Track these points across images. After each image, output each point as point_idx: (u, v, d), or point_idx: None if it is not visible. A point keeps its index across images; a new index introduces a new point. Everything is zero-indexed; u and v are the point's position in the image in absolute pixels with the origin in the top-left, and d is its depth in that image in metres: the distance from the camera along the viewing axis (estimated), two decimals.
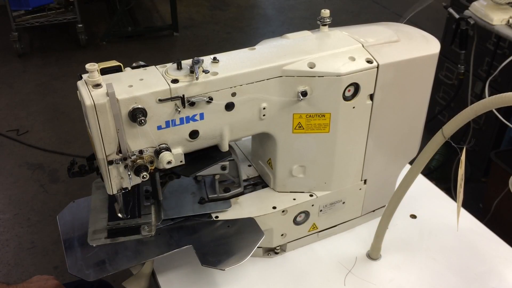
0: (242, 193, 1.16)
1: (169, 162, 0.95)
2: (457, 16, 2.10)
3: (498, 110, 1.83)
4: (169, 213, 1.10)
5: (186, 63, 0.95)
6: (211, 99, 0.94)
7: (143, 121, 0.89)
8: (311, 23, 4.64)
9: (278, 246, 1.17)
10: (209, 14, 4.99)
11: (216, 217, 1.10)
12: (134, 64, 0.98)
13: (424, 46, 1.10)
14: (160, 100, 0.90)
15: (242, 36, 4.54)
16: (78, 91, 0.90)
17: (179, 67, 0.94)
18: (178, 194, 1.15)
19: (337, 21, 1.12)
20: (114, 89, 0.86)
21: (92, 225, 1.08)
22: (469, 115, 0.85)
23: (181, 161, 0.99)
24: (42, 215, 2.53)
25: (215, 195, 1.13)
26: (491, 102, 0.81)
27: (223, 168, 1.08)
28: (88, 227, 1.07)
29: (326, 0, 5.23)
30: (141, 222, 1.08)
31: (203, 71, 0.94)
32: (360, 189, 1.19)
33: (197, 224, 1.09)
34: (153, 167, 0.97)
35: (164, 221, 1.09)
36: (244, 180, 1.20)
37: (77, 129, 3.16)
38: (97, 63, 0.90)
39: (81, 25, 4.11)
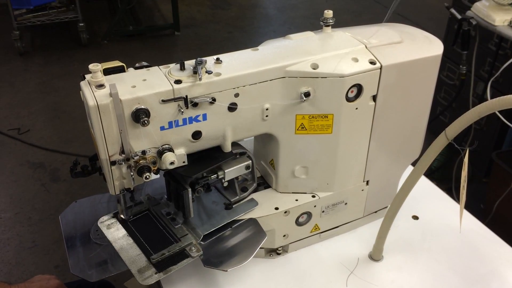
0: (256, 189, 1.16)
1: (172, 163, 0.95)
2: (459, 16, 2.10)
3: (500, 111, 1.83)
4: (206, 228, 1.07)
5: (189, 63, 0.95)
6: (214, 99, 0.94)
7: (146, 121, 0.89)
8: (313, 23, 4.64)
9: (280, 247, 1.17)
10: (210, 13, 4.99)
11: None
12: (137, 65, 0.98)
13: (427, 47, 1.10)
14: (163, 101, 0.90)
15: (243, 35, 4.54)
16: (81, 92, 0.90)
17: (182, 68, 0.94)
18: (201, 208, 1.12)
19: (339, 21, 1.12)
20: (117, 90, 0.86)
21: (132, 265, 1.00)
22: (473, 117, 0.85)
23: (183, 162, 0.99)
24: (43, 214, 2.53)
25: (237, 197, 1.12)
26: (494, 104, 0.81)
27: (247, 167, 1.08)
28: (130, 269, 1.00)
29: (328, 0, 5.23)
30: (184, 245, 1.03)
31: (206, 72, 0.94)
32: (363, 190, 1.18)
33: None
34: (155, 168, 0.97)
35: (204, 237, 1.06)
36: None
37: (78, 128, 3.16)
38: (98, 62, 0.90)
39: (82, 24, 4.11)
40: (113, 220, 1.10)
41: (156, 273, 0.98)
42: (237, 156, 1.07)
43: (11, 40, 3.98)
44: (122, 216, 1.09)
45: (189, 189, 1.02)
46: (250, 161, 1.08)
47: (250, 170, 1.10)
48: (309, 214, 1.15)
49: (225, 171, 1.05)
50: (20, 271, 2.23)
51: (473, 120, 0.86)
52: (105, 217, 1.11)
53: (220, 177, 1.05)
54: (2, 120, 3.26)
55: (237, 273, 1.11)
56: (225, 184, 1.10)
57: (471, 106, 2.29)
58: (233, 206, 1.12)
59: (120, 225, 1.09)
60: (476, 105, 0.85)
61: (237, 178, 1.11)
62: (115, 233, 1.08)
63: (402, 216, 1.27)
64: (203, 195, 1.14)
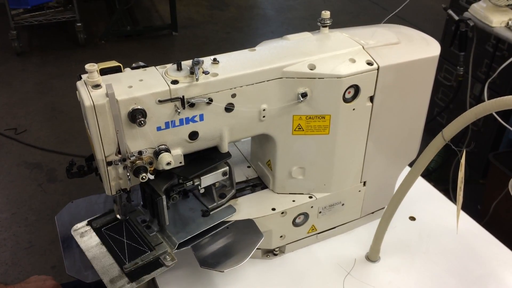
0: (235, 195, 1.14)
1: (168, 163, 0.94)
2: (456, 18, 2.10)
3: (496, 112, 1.84)
4: (181, 236, 1.04)
5: (186, 64, 0.95)
6: (211, 100, 0.94)
7: (142, 122, 0.88)
8: (311, 24, 4.64)
9: (277, 248, 1.17)
10: (208, 14, 4.98)
11: None
12: (133, 65, 0.98)
13: (425, 48, 1.10)
14: (159, 101, 0.90)
15: (241, 36, 4.54)
16: (77, 92, 0.90)
17: (179, 68, 0.94)
18: (177, 215, 1.10)
19: (337, 22, 1.12)
20: (114, 90, 0.85)
21: (104, 275, 0.98)
22: (470, 118, 0.85)
23: (180, 162, 0.98)
24: (39, 215, 2.53)
25: (215, 204, 1.10)
26: (491, 105, 0.81)
27: (224, 173, 1.06)
28: (102, 279, 0.98)
29: (326, 1, 5.23)
30: (158, 254, 1.02)
31: (203, 72, 0.94)
32: (360, 191, 1.18)
33: None
34: (152, 168, 0.96)
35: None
36: (243, 182, 1.20)
37: (75, 129, 3.15)
38: (96, 62, 0.90)
39: (80, 24, 4.10)
40: (87, 227, 1.08)
41: (128, 283, 0.96)
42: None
43: (8, 40, 3.97)
44: (118, 216, 1.09)
45: (164, 197, 1.00)
46: (227, 168, 1.05)
47: (228, 176, 1.07)
48: (306, 215, 1.15)
49: (201, 178, 1.02)
50: (17, 271, 2.22)
51: (470, 121, 0.86)
52: (79, 225, 1.09)
53: (196, 183, 1.02)
54: None
55: (233, 274, 1.11)
56: (202, 190, 1.07)
57: (468, 107, 2.29)
58: (211, 213, 1.09)
59: (94, 233, 1.07)
60: (473, 106, 0.85)
61: (214, 184, 1.07)
62: (88, 241, 1.05)
63: (399, 217, 1.26)
64: (180, 202, 1.11)
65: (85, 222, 1.09)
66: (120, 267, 0.99)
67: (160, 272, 0.99)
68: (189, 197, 1.14)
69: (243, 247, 1.04)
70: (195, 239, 1.05)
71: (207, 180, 1.03)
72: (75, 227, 1.08)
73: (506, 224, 2.08)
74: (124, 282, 0.97)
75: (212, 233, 1.06)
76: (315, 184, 1.13)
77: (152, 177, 0.98)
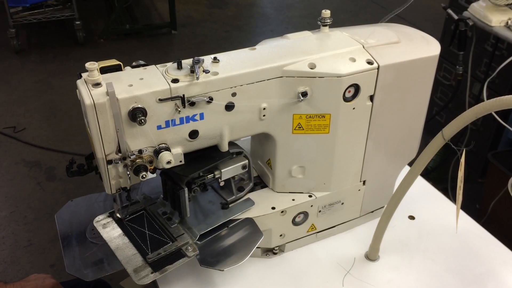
0: (253, 188, 1.16)
1: (168, 162, 0.94)
2: (456, 17, 2.10)
3: (496, 111, 1.83)
4: (202, 227, 1.06)
5: (187, 62, 0.95)
6: (211, 99, 0.94)
7: (143, 120, 0.88)
8: (310, 22, 4.64)
9: (276, 247, 1.17)
10: (207, 12, 4.98)
11: None
12: (134, 63, 0.98)
13: (425, 47, 1.10)
14: (160, 100, 0.90)
15: (240, 34, 4.54)
16: (77, 90, 0.90)
17: (180, 67, 0.94)
18: (197, 207, 1.12)
19: (336, 21, 1.12)
20: (114, 88, 0.85)
21: (128, 265, 1.00)
22: (470, 117, 0.85)
23: (180, 161, 0.99)
24: (38, 213, 2.52)
25: (234, 197, 1.12)
26: (491, 105, 0.81)
27: (244, 167, 1.07)
28: (126, 269, 0.99)
29: (325, 0, 5.23)
30: (180, 245, 1.03)
31: (203, 71, 0.94)
32: (359, 190, 1.19)
33: None
34: (152, 167, 0.96)
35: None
36: None
37: (74, 127, 3.15)
38: (95, 60, 0.89)
39: (79, 22, 4.09)
40: (109, 219, 1.10)
41: (152, 273, 0.98)
42: (234, 155, 1.07)
43: (7, 38, 3.96)
44: (118, 215, 1.09)
45: (186, 189, 1.01)
46: (247, 161, 1.08)
47: (247, 169, 1.09)
48: (305, 214, 1.15)
49: (222, 170, 1.05)
50: (16, 270, 2.22)
51: (470, 120, 0.86)
52: (100, 216, 1.11)
53: (216, 176, 1.05)
54: None
55: (233, 272, 1.11)
56: (222, 183, 1.10)
57: (468, 107, 2.29)
58: (230, 205, 1.11)
59: (115, 224, 1.09)
60: (472, 106, 0.85)
61: (233, 177, 1.10)
62: (111, 232, 1.07)
63: (398, 216, 1.27)
64: (199, 194, 1.14)
65: (107, 213, 1.11)
66: (143, 257, 1.01)
67: (182, 262, 1.01)
68: (208, 190, 1.16)
69: (243, 246, 1.04)
70: (215, 231, 1.07)
71: (227, 173, 1.06)
72: (97, 218, 1.10)
73: (505, 223, 2.08)
74: (147, 272, 0.98)
75: (232, 225, 1.08)
76: (315, 183, 1.13)
77: (153, 175, 0.98)
